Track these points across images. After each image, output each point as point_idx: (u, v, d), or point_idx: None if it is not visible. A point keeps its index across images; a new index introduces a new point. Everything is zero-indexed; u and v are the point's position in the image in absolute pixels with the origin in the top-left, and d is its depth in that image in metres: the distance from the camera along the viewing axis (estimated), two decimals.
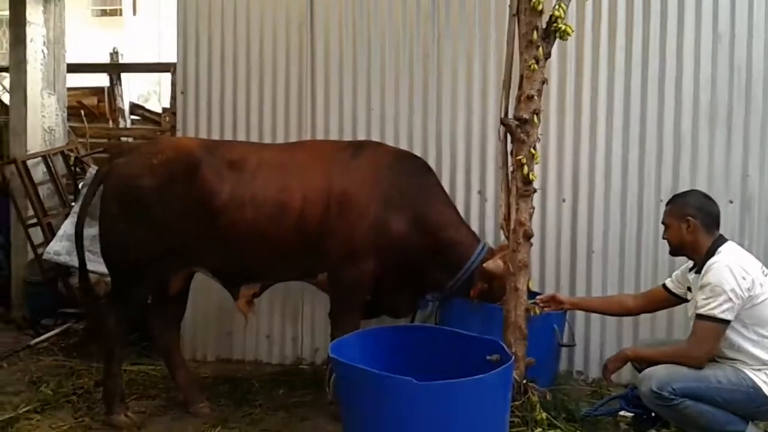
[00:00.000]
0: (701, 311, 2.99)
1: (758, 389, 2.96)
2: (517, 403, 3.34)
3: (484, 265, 3.73)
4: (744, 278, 3.00)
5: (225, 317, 4.79)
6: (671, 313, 3.71)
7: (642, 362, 3.16)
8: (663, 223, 3.35)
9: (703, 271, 3.11)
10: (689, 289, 3.30)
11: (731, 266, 3.02)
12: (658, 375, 3.00)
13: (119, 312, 3.70)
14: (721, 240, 3.18)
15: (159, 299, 3.91)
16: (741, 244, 4.09)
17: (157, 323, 3.94)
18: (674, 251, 3.33)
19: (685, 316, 3.36)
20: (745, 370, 2.99)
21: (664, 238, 3.37)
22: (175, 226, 3.62)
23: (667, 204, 3.37)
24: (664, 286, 3.51)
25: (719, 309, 2.96)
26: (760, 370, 2.99)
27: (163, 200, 3.62)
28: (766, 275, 3.11)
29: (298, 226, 3.68)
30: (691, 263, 3.31)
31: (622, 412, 3.50)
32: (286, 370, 4.62)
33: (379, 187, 3.78)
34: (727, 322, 2.96)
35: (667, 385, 2.95)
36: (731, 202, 4.23)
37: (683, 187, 4.22)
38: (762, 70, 4.21)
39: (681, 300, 3.44)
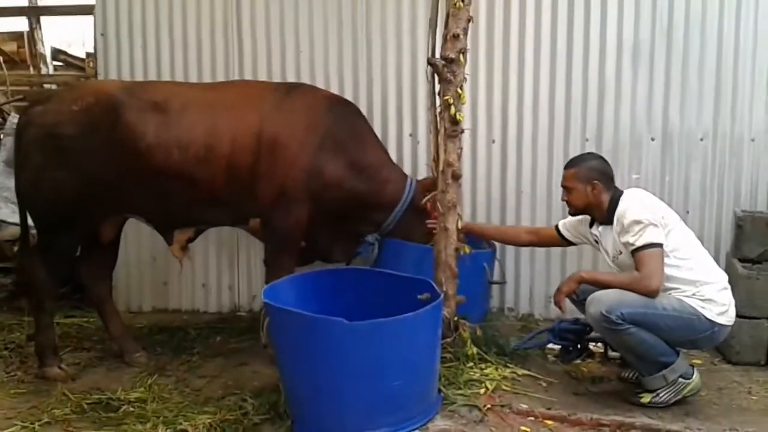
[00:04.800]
0: (638, 245, 3.11)
1: (699, 315, 3.10)
2: (448, 339, 3.43)
3: (427, 180, 3.79)
4: (655, 209, 3.21)
5: (159, 267, 4.75)
6: (596, 254, 3.82)
7: (595, 285, 3.23)
8: (564, 186, 3.43)
9: (616, 220, 3.25)
10: (596, 241, 3.45)
11: (640, 201, 3.22)
12: (609, 299, 3.10)
13: (48, 263, 3.59)
14: (618, 191, 3.34)
15: (89, 249, 3.82)
16: (662, 180, 4.32)
17: (88, 274, 3.86)
18: (576, 212, 3.45)
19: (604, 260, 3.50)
20: (684, 299, 3.13)
21: (563, 200, 3.46)
22: (101, 173, 3.51)
23: (568, 168, 3.45)
24: (557, 228, 3.68)
25: (651, 235, 3.10)
26: (693, 296, 3.13)
27: (86, 147, 3.50)
28: (666, 205, 3.33)
29: (227, 170, 3.60)
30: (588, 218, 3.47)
31: (549, 345, 3.66)
32: (223, 318, 4.62)
33: (313, 131, 3.71)
34: (661, 244, 3.11)
35: (617, 309, 3.06)
36: (653, 139, 4.36)
37: (608, 128, 4.38)
38: (683, 14, 4.28)
39: (570, 244, 3.69)
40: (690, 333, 3.14)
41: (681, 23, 4.29)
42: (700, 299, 3.13)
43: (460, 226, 3.58)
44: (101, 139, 3.51)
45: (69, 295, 4.66)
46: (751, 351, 3.76)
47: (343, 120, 3.86)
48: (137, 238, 4.62)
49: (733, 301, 3.22)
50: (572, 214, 3.53)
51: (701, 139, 4.34)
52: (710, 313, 3.12)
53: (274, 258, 3.79)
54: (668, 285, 3.15)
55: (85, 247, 3.82)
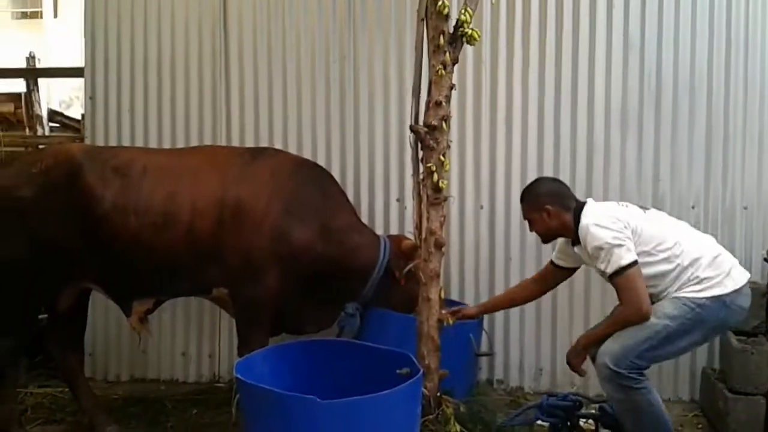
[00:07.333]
0: (610, 272, 2.99)
1: (700, 304, 2.94)
2: (430, 416, 3.26)
3: (403, 244, 3.66)
4: (614, 222, 3.04)
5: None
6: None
7: (597, 343, 3.07)
8: (525, 219, 3.39)
9: (582, 241, 3.12)
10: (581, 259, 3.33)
11: (598, 223, 3.05)
12: (611, 350, 2.95)
13: (4, 332, 3.46)
14: (579, 206, 3.22)
15: (54, 319, 3.70)
16: None
17: (54, 344, 3.73)
18: (546, 239, 3.40)
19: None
20: (680, 296, 2.97)
21: (531, 231, 3.40)
22: (56, 238, 3.43)
23: (521, 201, 3.40)
24: (552, 263, 3.52)
25: (618, 258, 2.96)
26: (681, 287, 2.98)
27: (42, 211, 3.43)
28: (626, 206, 3.21)
29: (186, 238, 3.48)
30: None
31: (538, 422, 3.49)
32: (202, 388, 4.45)
33: (279, 196, 3.59)
34: (635, 262, 2.96)
35: (625, 358, 2.90)
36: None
37: (597, 193, 4.25)
38: (671, 76, 4.23)
39: (573, 270, 3.49)
40: (703, 327, 2.97)
41: (670, 86, 4.23)
42: (696, 283, 2.97)
43: (442, 296, 3.45)
44: (58, 202, 3.44)
45: (43, 364, 4.50)
46: (747, 428, 3.56)
47: (310, 183, 3.75)
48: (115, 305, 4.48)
49: (734, 262, 3.05)
50: (544, 242, 3.44)
51: (693, 207, 4.23)
52: (711, 291, 2.95)
53: (245, 330, 3.62)
54: (652, 285, 3.00)
55: (50, 317, 3.70)
